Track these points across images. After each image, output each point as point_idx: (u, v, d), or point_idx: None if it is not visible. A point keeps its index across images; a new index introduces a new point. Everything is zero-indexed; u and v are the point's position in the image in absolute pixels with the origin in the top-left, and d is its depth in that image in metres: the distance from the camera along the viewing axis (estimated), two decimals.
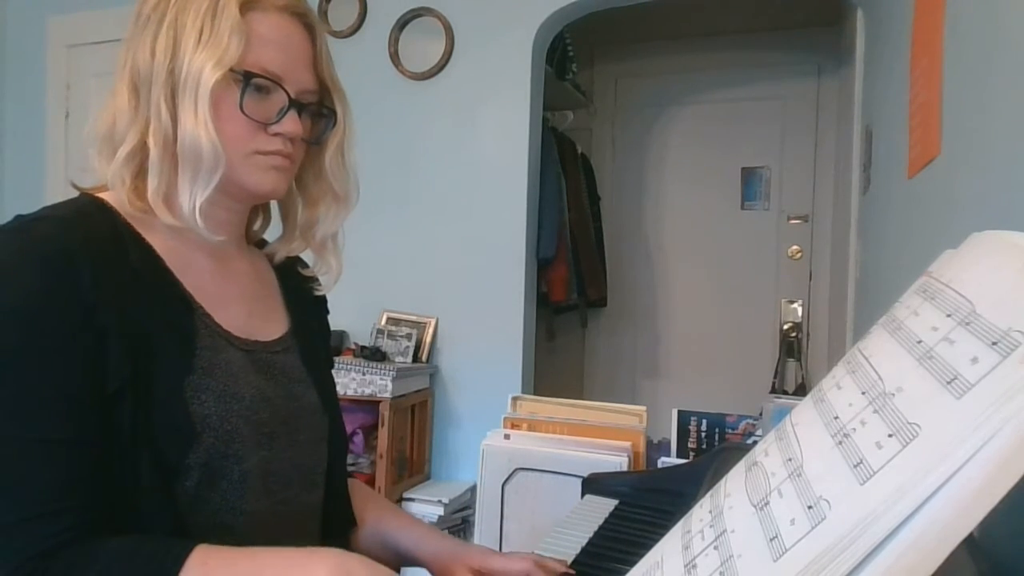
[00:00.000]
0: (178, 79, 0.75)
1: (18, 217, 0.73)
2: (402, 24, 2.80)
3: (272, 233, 0.98)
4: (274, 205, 0.95)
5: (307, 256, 0.96)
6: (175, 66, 0.75)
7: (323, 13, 2.87)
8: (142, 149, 0.77)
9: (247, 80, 0.77)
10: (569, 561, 0.86)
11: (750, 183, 3.63)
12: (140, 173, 0.78)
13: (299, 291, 0.96)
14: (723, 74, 3.64)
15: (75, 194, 0.82)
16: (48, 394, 0.68)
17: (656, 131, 3.79)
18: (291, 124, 0.80)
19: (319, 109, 0.85)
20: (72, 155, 3.30)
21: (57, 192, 3.30)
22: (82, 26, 3.27)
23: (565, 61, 3.23)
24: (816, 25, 3.40)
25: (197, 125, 0.74)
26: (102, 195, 0.80)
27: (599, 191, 3.63)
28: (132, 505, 0.70)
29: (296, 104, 0.80)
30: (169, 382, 0.73)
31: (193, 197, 0.76)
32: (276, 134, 0.79)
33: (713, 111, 3.66)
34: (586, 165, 3.54)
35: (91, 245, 0.72)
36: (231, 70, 0.75)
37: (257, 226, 0.96)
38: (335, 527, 0.92)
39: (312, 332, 0.95)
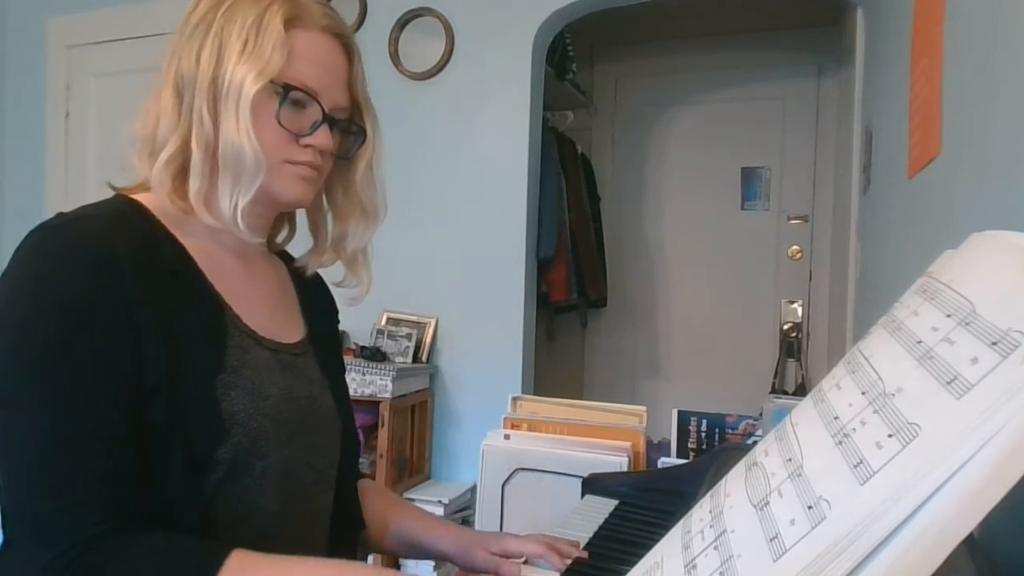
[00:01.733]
0: (220, 87, 0.79)
1: (60, 215, 0.76)
2: (402, 24, 2.80)
3: (301, 246, 0.99)
4: (302, 218, 0.98)
5: (337, 269, 0.97)
6: (218, 75, 0.79)
7: None
8: (183, 152, 0.80)
9: (285, 92, 0.80)
10: (569, 561, 0.86)
11: (750, 183, 3.63)
12: (180, 175, 0.81)
13: (314, 301, 1.00)
14: (723, 74, 3.64)
15: (110, 194, 0.85)
16: (92, 388, 0.70)
17: (656, 131, 3.79)
18: (323, 138, 0.83)
19: (349, 126, 0.89)
20: (72, 155, 3.30)
21: (57, 192, 3.32)
22: (82, 26, 3.27)
23: (565, 61, 3.23)
24: (816, 25, 3.40)
25: (239, 133, 0.78)
26: (136, 196, 0.83)
27: (599, 191, 3.63)
28: (163, 498, 0.72)
29: (328, 119, 0.84)
30: (201, 379, 0.76)
31: (234, 200, 0.80)
32: (307, 146, 0.83)
33: (713, 111, 3.66)
34: (586, 165, 3.54)
35: (132, 244, 0.75)
36: (271, 81, 0.79)
37: (281, 238, 1.00)
38: (344, 528, 0.95)
39: (326, 340, 0.99)
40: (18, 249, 0.74)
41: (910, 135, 1.39)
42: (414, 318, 2.77)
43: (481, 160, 2.74)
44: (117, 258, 0.72)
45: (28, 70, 3.37)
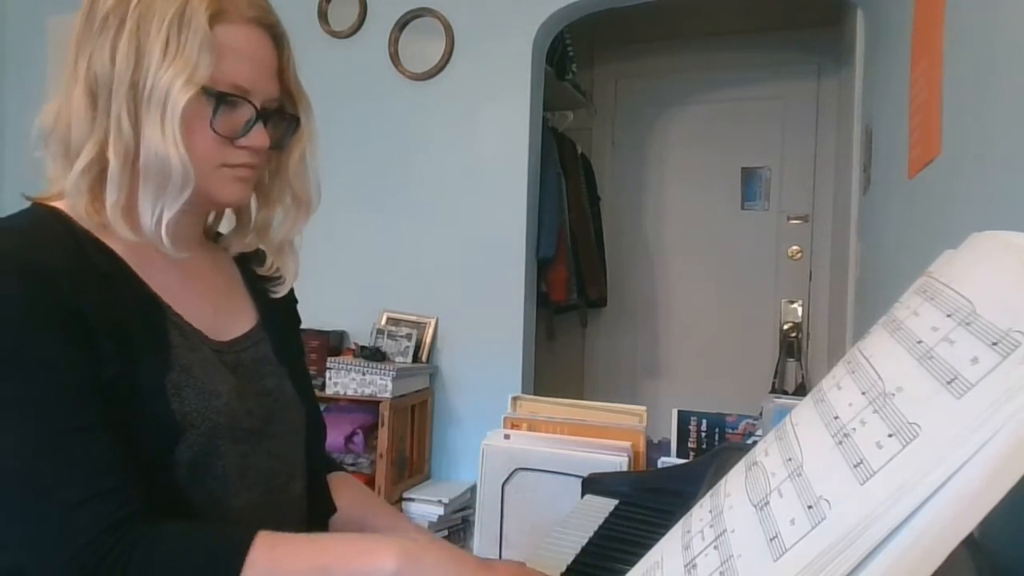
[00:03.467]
0: (142, 92, 0.73)
1: None
2: (402, 24, 2.80)
3: None
4: None
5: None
6: (138, 78, 0.73)
7: (323, 13, 2.87)
8: (100, 160, 0.75)
9: (219, 100, 0.75)
10: (569, 561, 0.86)
11: (750, 183, 3.63)
12: (97, 184, 0.76)
13: (264, 283, 0.95)
14: (723, 74, 3.64)
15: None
16: (60, 387, 0.68)
17: (656, 131, 3.79)
18: (258, 138, 0.79)
19: (281, 115, 0.84)
20: None
21: None
22: None
23: (565, 61, 3.23)
24: (816, 25, 3.40)
25: (166, 143, 0.73)
26: (55, 204, 0.79)
27: (599, 191, 3.63)
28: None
29: (262, 115, 0.79)
30: (151, 380, 0.73)
31: (157, 213, 0.75)
32: (243, 147, 0.79)
33: (713, 111, 3.65)
34: (586, 165, 3.54)
35: (60, 253, 0.72)
36: (202, 88, 0.74)
37: (211, 220, 0.94)
38: (317, 514, 0.93)
39: (280, 324, 0.94)
40: None
41: (910, 135, 1.39)
42: (414, 318, 2.77)
43: (481, 160, 2.74)
44: (48, 268, 0.70)
45: (28, 68, 3.37)
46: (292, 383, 0.90)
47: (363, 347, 2.64)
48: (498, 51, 2.71)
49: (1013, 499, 0.36)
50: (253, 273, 0.94)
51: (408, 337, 2.70)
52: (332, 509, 0.95)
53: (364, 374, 2.51)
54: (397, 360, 2.65)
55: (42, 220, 0.76)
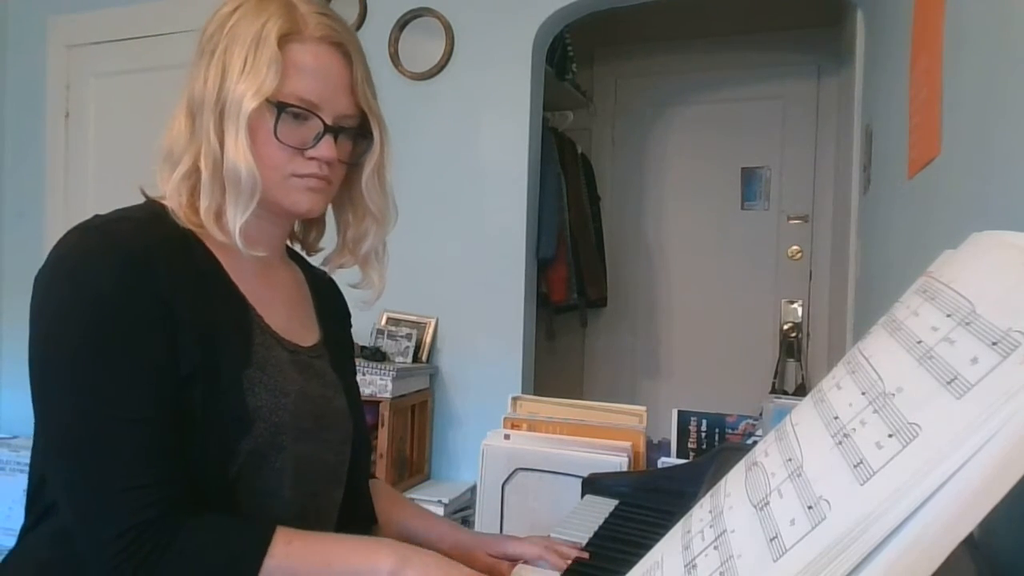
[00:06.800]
0: (224, 106, 0.81)
1: (97, 216, 0.81)
2: (402, 24, 2.80)
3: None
4: (331, 218, 1.00)
5: (354, 271, 1.00)
6: (222, 94, 0.82)
7: None
8: (196, 171, 0.84)
9: (280, 109, 0.82)
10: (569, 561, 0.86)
11: (750, 183, 3.63)
12: (195, 192, 0.84)
13: (328, 306, 1.03)
14: (723, 74, 3.64)
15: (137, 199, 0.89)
16: (134, 376, 0.74)
17: (656, 131, 3.79)
18: (325, 149, 0.84)
19: (360, 132, 0.89)
20: (72, 155, 3.30)
21: (57, 192, 3.31)
22: (82, 26, 3.26)
23: (565, 61, 3.23)
24: (816, 25, 3.40)
25: (237, 151, 0.80)
26: (166, 202, 0.86)
27: (599, 191, 3.63)
28: (196, 483, 0.76)
29: (333, 129, 0.85)
30: (230, 373, 0.80)
31: (235, 217, 0.82)
32: (312, 158, 0.84)
33: (713, 111, 3.65)
34: (586, 165, 3.54)
35: (165, 245, 0.80)
36: (267, 100, 0.81)
37: (312, 237, 1.03)
38: (355, 523, 0.98)
39: (339, 344, 1.02)
40: (56, 247, 0.78)
41: (910, 135, 1.39)
42: (414, 318, 2.76)
43: (481, 160, 2.74)
44: (152, 257, 0.77)
45: (28, 70, 3.37)
46: (345, 397, 0.97)
47: (363, 347, 2.63)
48: (498, 51, 2.71)
49: (1013, 499, 0.36)
50: (322, 297, 1.02)
51: (408, 337, 2.70)
52: (373, 519, 1.01)
53: (364, 374, 2.51)
54: (397, 360, 2.65)
55: (156, 215, 0.84)
